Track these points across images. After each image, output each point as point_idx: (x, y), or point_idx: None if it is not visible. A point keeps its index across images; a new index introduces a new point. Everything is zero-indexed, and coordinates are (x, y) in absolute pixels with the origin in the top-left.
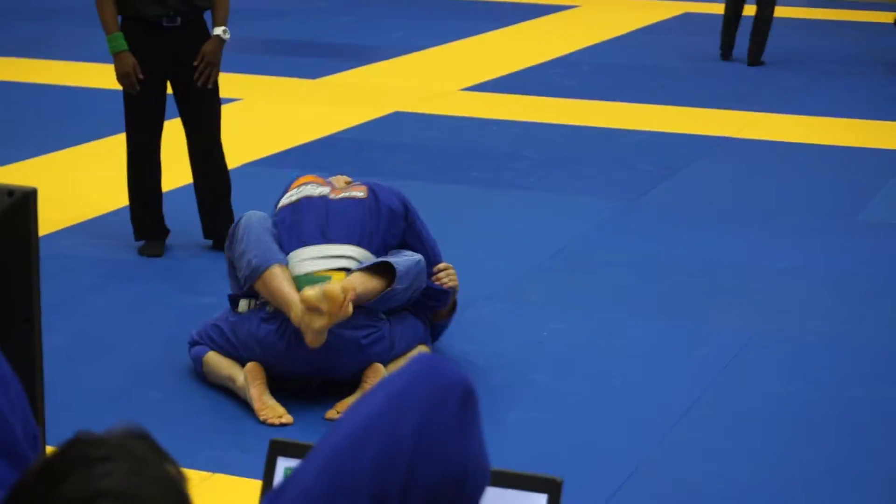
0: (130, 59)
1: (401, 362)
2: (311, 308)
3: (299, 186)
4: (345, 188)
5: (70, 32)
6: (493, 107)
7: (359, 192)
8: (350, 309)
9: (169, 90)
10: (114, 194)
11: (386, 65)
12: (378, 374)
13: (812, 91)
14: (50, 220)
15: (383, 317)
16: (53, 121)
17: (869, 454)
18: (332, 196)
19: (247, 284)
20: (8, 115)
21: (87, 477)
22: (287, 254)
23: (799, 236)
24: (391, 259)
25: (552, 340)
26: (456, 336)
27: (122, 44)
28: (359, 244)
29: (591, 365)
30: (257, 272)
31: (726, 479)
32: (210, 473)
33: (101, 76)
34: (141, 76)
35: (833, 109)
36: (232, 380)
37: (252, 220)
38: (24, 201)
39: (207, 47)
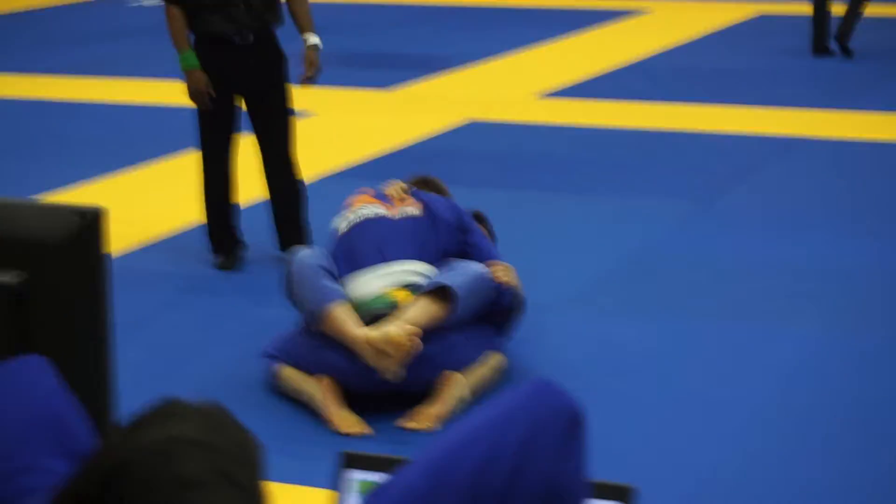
0: (202, 77)
1: (480, 370)
2: (380, 351)
3: (356, 208)
4: (400, 205)
5: (140, 51)
6: (567, 112)
7: (414, 210)
8: (419, 347)
9: (240, 105)
10: (189, 211)
11: (458, 74)
12: (454, 382)
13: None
14: (126, 237)
15: (454, 328)
16: (126, 139)
17: None
18: (388, 214)
19: (314, 328)
20: (81, 135)
21: (165, 426)
22: (345, 280)
23: (875, 238)
24: (450, 282)
25: (625, 346)
26: (527, 342)
27: (194, 61)
28: (418, 258)
29: (664, 370)
30: (318, 318)
31: (801, 485)
32: (285, 485)
33: (172, 93)
34: (213, 93)
35: None
36: (307, 395)
37: (301, 261)
38: (94, 222)
39: (308, 54)
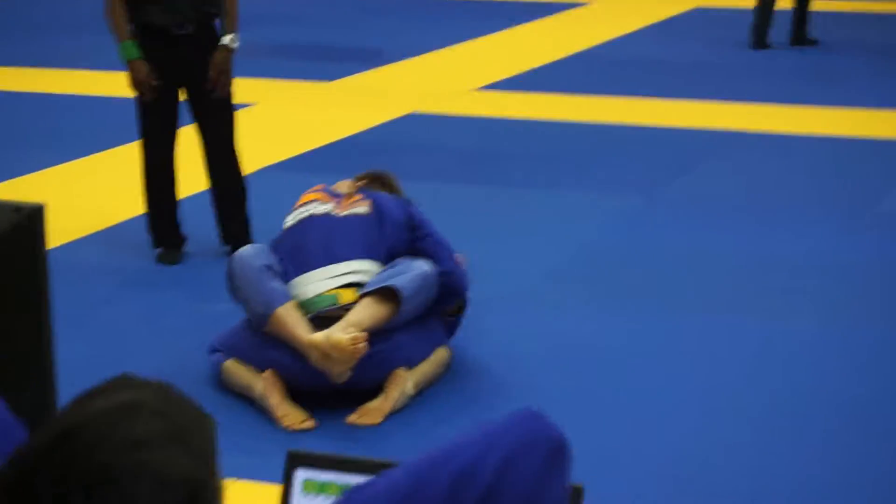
0: (144, 67)
1: (424, 366)
2: (325, 354)
3: (304, 204)
4: (349, 204)
5: (82, 43)
6: (508, 105)
7: (362, 208)
8: (363, 349)
9: (182, 97)
10: (130, 203)
11: (401, 66)
12: (400, 379)
13: (828, 80)
14: (65, 230)
15: (400, 326)
16: (67, 131)
17: None
18: (335, 213)
19: (259, 329)
20: (20, 126)
21: (118, 394)
22: (292, 279)
23: (818, 228)
24: (396, 282)
25: (575, 340)
26: (474, 337)
27: (135, 51)
28: (364, 257)
29: (613, 365)
30: (264, 319)
31: (760, 479)
32: (232, 480)
33: (113, 85)
34: (154, 83)
35: (843, 100)
36: (251, 388)
37: (243, 260)
38: (33, 217)
39: (216, 57)
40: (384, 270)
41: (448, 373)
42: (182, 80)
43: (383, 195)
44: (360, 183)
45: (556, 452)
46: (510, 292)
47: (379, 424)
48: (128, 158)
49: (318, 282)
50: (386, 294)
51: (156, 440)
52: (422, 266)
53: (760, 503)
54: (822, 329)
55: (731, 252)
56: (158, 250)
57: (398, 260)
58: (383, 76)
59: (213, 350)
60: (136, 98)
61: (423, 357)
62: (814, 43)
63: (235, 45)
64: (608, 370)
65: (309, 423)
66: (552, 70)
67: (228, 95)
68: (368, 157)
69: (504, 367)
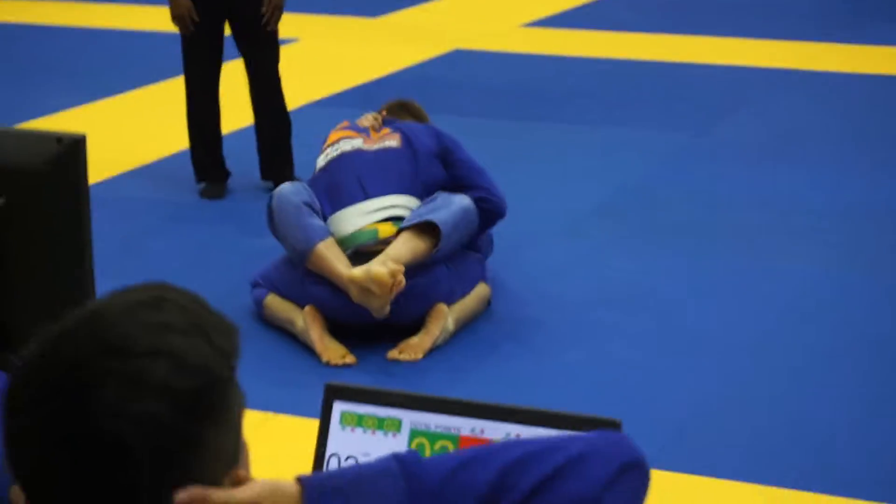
0: (185, 1)
1: (465, 301)
2: (364, 289)
3: (333, 144)
4: (378, 138)
5: None
6: (553, 43)
7: (392, 142)
8: (402, 284)
9: (227, 32)
10: (174, 138)
11: (445, 2)
12: (441, 315)
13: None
14: (110, 163)
15: (440, 261)
16: (109, 65)
17: None
18: (366, 147)
19: (299, 266)
20: (65, 61)
21: (149, 290)
22: (329, 217)
23: (869, 170)
24: (435, 216)
25: (617, 277)
26: (519, 274)
27: None
28: (401, 192)
29: (657, 302)
30: (303, 256)
31: (791, 418)
32: (271, 413)
33: (157, 19)
34: (196, 18)
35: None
36: (292, 323)
37: (283, 198)
38: (74, 148)
39: None
40: (423, 205)
41: (487, 309)
42: (227, 14)
43: (412, 125)
44: (384, 114)
45: (632, 468)
46: (554, 228)
47: (419, 360)
48: (171, 93)
49: (357, 217)
50: (425, 228)
51: (178, 326)
52: (462, 200)
53: (791, 439)
54: (865, 276)
55: (774, 194)
56: (202, 185)
57: (437, 194)
58: (427, 12)
59: (255, 284)
60: (180, 33)
61: (462, 292)
62: None
63: None
64: (649, 308)
65: (350, 359)
66: (598, 7)
67: (275, 31)
68: (412, 94)
69: (544, 305)
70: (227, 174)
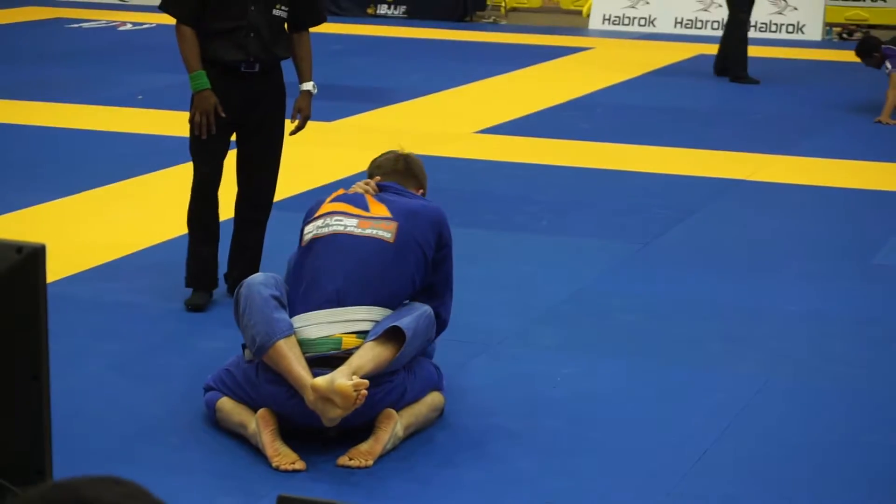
0: (213, 98)
1: (415, 407)
2: (324, 398)
3: (324, 216)
4: (373, 222)
5: (77, 74)
6: (507, 149)
7: (386, 233)
8: (363, 398)
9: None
10: (122, 239)
11: (401, 107)
12: (390, 420)
13: (825, 132)
14: (64, 265)
15: (398, 369)
16: (66, 164)
17: (891, 501)
18: (357, 232)
19: (256, 358)
20: (21, 159)
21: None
22: (299, 313)
23: (813, 280)
24: (399, 322)
25: (565, 385)
26: (469, 380)
27: (206, 82)
28: (374, 303)
29: (604, 410)
30: (263, 350)
31: None
32: None
33: (110, 120)
34: (222, 114)
35: (839, 152)
36: (244, 426)
37: (253, 287)
38: (33, 257)
39: (302, 103)
40: (383, 319)
41: (441, 415)
42: (239, 118)
43: (415, 207)
44: (378, 180)
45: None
46: (504, 334)
47: (372, 466)
48: (125, 193)
49: (324, 324)
50: (390, 335)
51: (140, 495)
52: (422, 307)
53: None
54: (812, 382)
55: (724, 301)
56: (193, 294)
57: (402, 304)
58: (383, 117)
59: (208, 388)
60: (190, 135)
61: (413, 393)
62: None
63: (315, 91)
64: (596, 418)
65: (299, 465)
66: (552, 115)
67: (280, 140)
68: None
69: (499, 410)
70: (215, 284)
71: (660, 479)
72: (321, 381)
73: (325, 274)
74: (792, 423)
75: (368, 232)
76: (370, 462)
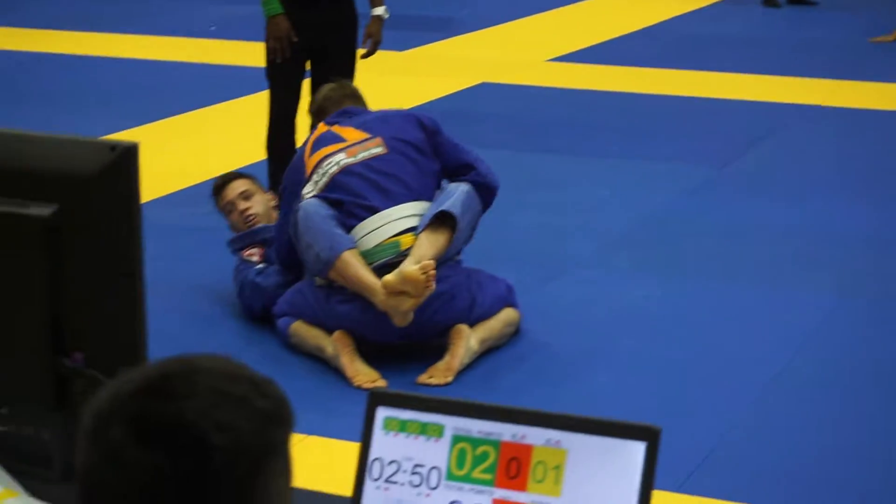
0: (286, 23)
1: (489, 322)
2: (396, 292)
3: (316, 168)
4: (359, 146)
5: (159, 7)
6: (579, 77)
7: (376, 148)
8: (433, 285)
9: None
10: (210, 164)
11: (473, 36)
12: (463, 335)
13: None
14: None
15: (458, 258)
16: (142, 94)
17: None
18: (350, 160)
19: (321, 276)
20: (98, 89)
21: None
22: (351, 228)
23: (888, 201)
24: (446, 206)
25: (639, 306)
26: (546, 303)
27: (279, 7)
28: (409, 199)
29: (679, 330)
30: (329, 264)
31: (815, 444)
32: (304, 436)
33: (186, 50)
34: (295, 39)
35: None
36: (321, 350)
37: (310, 208)
38: (127, 155)
39: (372, 29)
40: (430, 206)
41: (515, 336)
42: (312, 44)
43: (389, 117)
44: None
45: None
46: (578, 258)
47: (450, 384)
48: (200, 121)
49: (378, 229)
50: (440, 221)
51: (253, 371)
52: (460, 186)
53: (819, 464)
54: (883, 305)
55: (795, 225)
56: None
57: (438, 192)
58: (455, 46)
59: (280, 314)
60: (266, 62)
61: (488, 311)
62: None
63: (387, 15)
64: (673, 336)
65: (381, 382)
66: (623, 43)
67: (353, 63)
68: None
69: (571, 332)
70: None
71: (739, 396)
72: (389, 276)
73: (349, 199)
74: (863, 344)
75: (361, 156)
76: (449, 378)
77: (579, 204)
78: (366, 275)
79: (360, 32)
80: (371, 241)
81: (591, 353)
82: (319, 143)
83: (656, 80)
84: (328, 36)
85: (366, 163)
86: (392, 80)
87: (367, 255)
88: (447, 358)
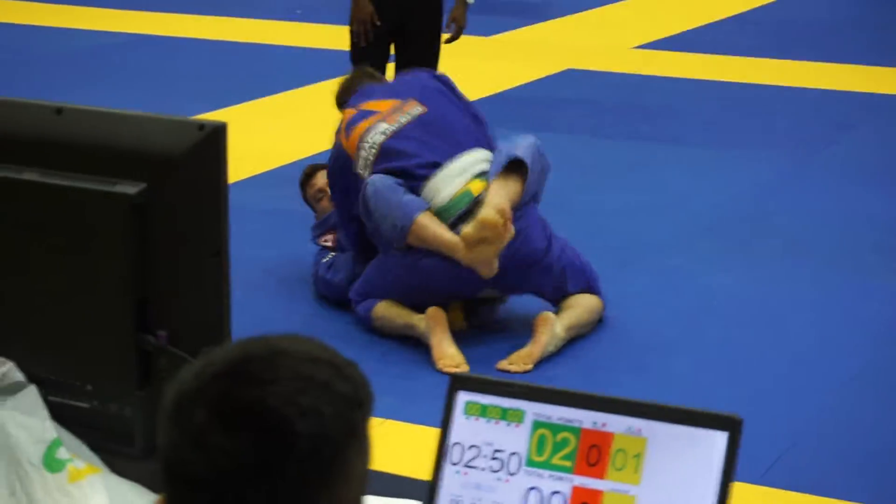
0: (369, 6)
1: (574, 311)
2: (476, 242)
3: (360, 143)
4: (395, 112)
5: None
6: (665, 64)
7: (416, 108)
8: (512, 229)
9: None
10: (292, 149)
11: (558, 22)
12: (548, 321)
13: None
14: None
15: (533, 203)
16: (227, 76)
17: None
18: (394, 126)
19: (400, 244)
20: (185, 70)
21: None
22: (420, 189)
23: None
24: (517, 153)
25: (721, 293)
26: (628, 289)
27: None
28: (467, 146)
29: (761, 319)
30: (405, 230)
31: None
32: (383, 420)
33: (272, 33)
34: (378, 22)
35: None
36: (411, 327)
37: (377, 181)
38: (215, 135)
39: (456, 13)
40: (495, 154)
41: (598, 320)
42: (396, 26)
43: (407, 82)
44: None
45: None
46: (661, 243)
47: (529, 371)
48: (282, 105)
49: (446, 181)
50: (510, 169)
51: (335, 353)
52: (526, 137)
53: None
54: None
55: (881, 214)
56: None
57: (500, 143)
58: (541, 32)
59: (359, 298)
60: (351, 44)
61: (573, 291)
62: None
63: (472, 0)
64: (755, 323)
65: (464, 367)
66: (709, 31)
67: (437, 46)
68: (523, 111)
69: (651, 316)
70: None
71: (821, 387)
72: (467, 228)
73: (406, 162)
74: None
75: (404, 120)
76: (529, 366)
77: (662, 189)
78: (444, 233)
79: (446, 16)
80: (443, 198)
81: (672, 340)
82: (352, 124)
83: (743, 68)
84: (412, 19)
85: (412, 124)
86: (478, 64)
87: (441, 213)
88: (530, 345)
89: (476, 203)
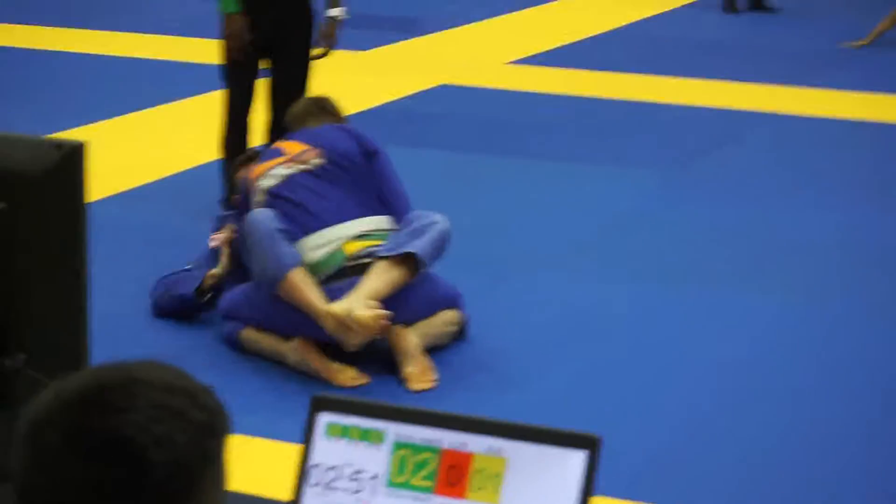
0: (241, 21)
1: (430, 321)
2: (344, 328)
3: (260, 178)
4: (295, 158)
5: (120, 2)
6: (539, 80)
7: (315, 159)
8: (386, 326)
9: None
10: (163, 164)
11: (433, 37)
12: (405, 338)
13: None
14: (104, 185)
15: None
16: (98, 90)
17: None
18: (290, 171)
19: (270, 291)
20: (53, 84)
21: (129, 371)
22: (299, 240)
23: (827, 211)
24: (412, 245)
25: (595, 308)
26: (503, 304)
27: (235, 5)
28: (350, 208)
29: (628, 334)
30: (275, 282)
31: (759, 449)
32: (248, 437)
33: (145, 46)
34: (250, 37)
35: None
36: (282, 355)
37: (256, 221)
38: (73, 154)
39: (326, 31)
40: (402, 228)
41: (463, 338)
42: (268, 41)
43: (325, 131)
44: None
45: None
46: (532, 260)
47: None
48: (153, 119)
49: (322, 246)
50: (404, 259)
51: (189, 379)
52: (443, 224)
53: (763, 468)
54: (831, 308)
55: (744, 230)
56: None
57: (413, 215)
58: (415, 47)
59: (227, 317)
60: (223, 62)
61: (433, 310)
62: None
63: (343, 17)
64: (622, 340)
65: (363, 379)
66: (582, 47)
67: (307, 60)
68: (397, 126)
69: (518, 335)
70: None
71: (689, 400)
72: (338, 308)
73: (294, 208)
74: (811, 347)
75: (302, 167)
76: (432, 380)
77: (535, 206)
78: (313, 300)
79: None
80: (316, 256)
81: (543, 355)
82: (263, 157)
83: (615, 84)
84: (283, 35)
85: (304, 173)
86: (351, 79)
87: (313, 267)
88: (410, 365)
89: (349, 260)
